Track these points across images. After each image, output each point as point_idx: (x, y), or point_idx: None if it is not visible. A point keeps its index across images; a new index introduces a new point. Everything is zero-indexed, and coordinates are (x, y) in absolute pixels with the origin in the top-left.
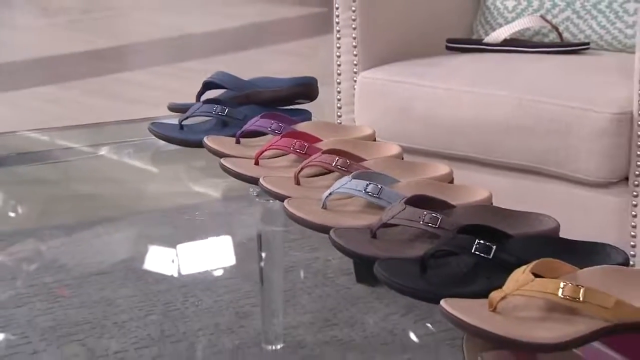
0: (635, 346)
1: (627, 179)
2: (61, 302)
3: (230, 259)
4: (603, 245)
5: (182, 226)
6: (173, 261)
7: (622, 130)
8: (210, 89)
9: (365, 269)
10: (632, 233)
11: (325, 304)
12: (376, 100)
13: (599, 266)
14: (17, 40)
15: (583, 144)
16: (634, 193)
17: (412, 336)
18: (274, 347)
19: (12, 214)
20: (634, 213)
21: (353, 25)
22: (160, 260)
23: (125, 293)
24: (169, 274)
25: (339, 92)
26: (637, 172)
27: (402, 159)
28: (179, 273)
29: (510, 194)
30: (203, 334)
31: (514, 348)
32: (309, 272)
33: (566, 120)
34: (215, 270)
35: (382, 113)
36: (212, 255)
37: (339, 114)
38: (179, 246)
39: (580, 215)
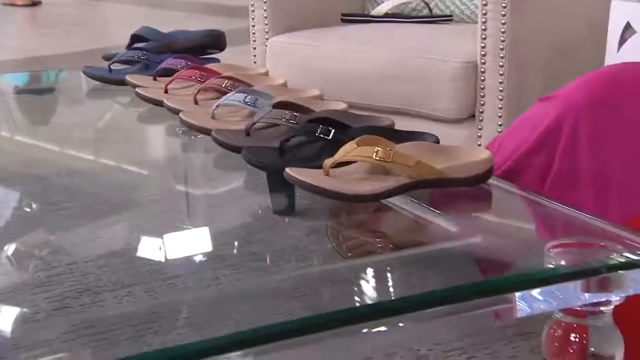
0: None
1: (473, 116)
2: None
3: (166, 185)
4: (422, 133)
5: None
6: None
7: (469, 76)
8: (137, 42)
9: (279, 202)
10: None
11: (245, 229)
12: (283, 60)
13: (412, 142)
14: (15, 44)
15: (440, 88)
16: (479, 127)
17: (312, 249)
18: (200, 259)
19: None
20: (479, 143)
21: (264, 0)
22: (111, 181)
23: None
24: (116, 190)
25: (254, 55)
26: (480, 110)
27: (286, 86)
28: (121, 192)
29: None
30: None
31: (339, 199)
32: (235, 207)
33: (427, 69)
34: (152, 192)
35: (288, 69)
36: (148, 181)
37: None
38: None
39: None
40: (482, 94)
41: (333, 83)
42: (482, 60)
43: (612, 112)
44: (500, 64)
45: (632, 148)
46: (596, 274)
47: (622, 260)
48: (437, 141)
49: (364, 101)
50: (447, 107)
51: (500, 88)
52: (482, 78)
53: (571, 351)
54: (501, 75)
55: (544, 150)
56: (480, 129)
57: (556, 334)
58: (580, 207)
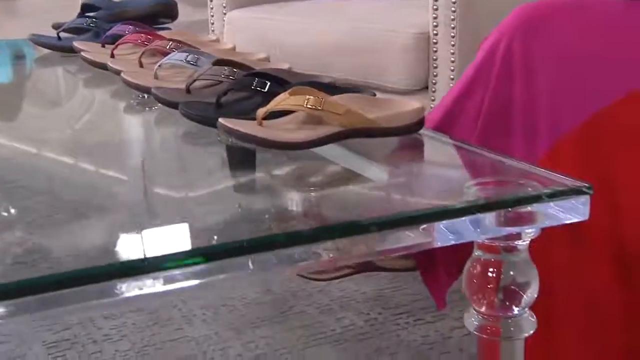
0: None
1: (427, 87)
2: None
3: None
4: (359, 88)
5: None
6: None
7: (421, 47)
8: (88, 11)
9: (236, 165)
10: None
11: (199, 190)
12: (240, 33)
13: (347, 94)
14: None
15: (392, 59)
16: (432, 98)
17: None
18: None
19: None
20: None
21: None
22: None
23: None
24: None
25: (212, 30)
26: (433, 81)
27: (234, 50)
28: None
29: None
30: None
31: (271, 147)
32: (193, 169)
33: (381, 40)
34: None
35: (245, 42)
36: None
37: None
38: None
39: None
40: (434, 65)
41: (290, 56)
42: (434, 32)
43: (546, 36)
44: (452, 34)
45: (565, 74)
46: (509, 206)
47: (535, 193)
48: (373, 94)
49: (322, 74)
50: (399, 78)
51: (452, 59)
52: (434, 49)
53: (489, 287)
54: (452, 46)
55: (479, 87)
56: (433, 100)
57: (475, 271)
58: (509, 143)
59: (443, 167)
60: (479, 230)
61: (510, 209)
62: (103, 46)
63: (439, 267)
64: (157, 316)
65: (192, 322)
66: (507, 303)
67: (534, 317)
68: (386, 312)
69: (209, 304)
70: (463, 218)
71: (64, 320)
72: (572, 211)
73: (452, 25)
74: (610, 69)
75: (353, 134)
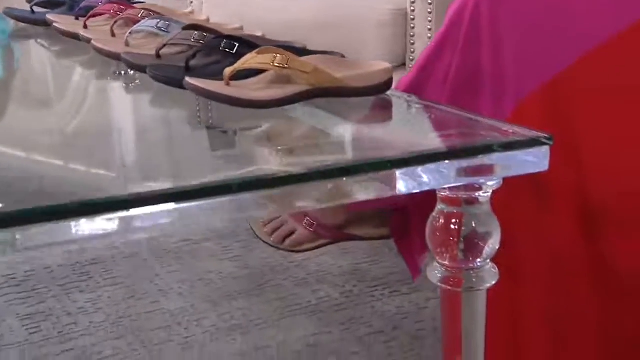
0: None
1: (404, 64)
2: None
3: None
4: (333, 52)
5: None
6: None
7: (399, 23)
8: None
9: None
10: None
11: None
12: (219, 9)
13: (316, 55)
14: None
15: (370, 35)
16: None
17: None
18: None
19: None
20: None
21: None
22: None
23: None
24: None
25: (192, 10)
26: (411, 58)
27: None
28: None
29: None
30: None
31: (237, 106)
32: (161, 127)
33: (358, 17)
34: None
35: (223, 19)
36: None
37: None
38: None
39: None
40: (412, 41)
41: (268, 33)
42: (412, 8)
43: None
44: (429, 10)
45: (530, 39)
46: (468, 155)
47: (495, 142)
48: (343, 56)
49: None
50: (377, 55)
51: (429, 35)
52: (412, 25)
53: (451, 239)
54: (430, 22)
55: (448, 48)
56: None
57: (437, 224)
58: (476, 106)
59: (407, 123)
60: (438, 179)
61: (469, 158)
62: (77, 19)
63: (413, 234)
64: (133, 289)
65: (168, 295)
66: (469, 254)
67: (496, 268)
68: (362, 285)
69: (186, 278)
70: (423, 166)
71: (39, 294)
72: (532, 162)
73: (429, 1)
74: (570, 31)
75: (321, 93)
